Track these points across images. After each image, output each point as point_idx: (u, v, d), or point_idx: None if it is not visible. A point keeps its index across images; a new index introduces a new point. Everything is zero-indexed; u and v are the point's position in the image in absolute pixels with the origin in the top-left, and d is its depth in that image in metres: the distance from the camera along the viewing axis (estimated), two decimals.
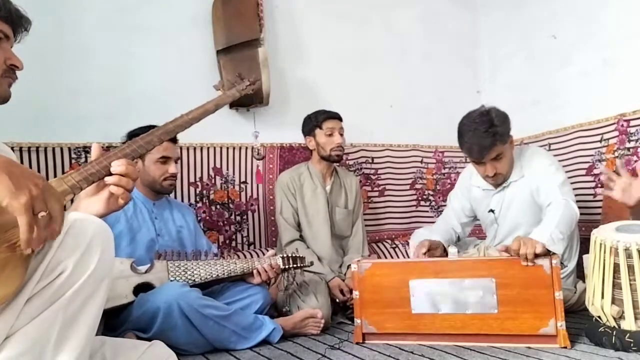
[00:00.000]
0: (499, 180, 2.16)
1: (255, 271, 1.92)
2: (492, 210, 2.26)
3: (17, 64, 1.13)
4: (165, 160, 1.97)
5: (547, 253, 1.65)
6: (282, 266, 1.96)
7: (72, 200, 1.03)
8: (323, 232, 2.46)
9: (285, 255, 2.00)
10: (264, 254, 2.62)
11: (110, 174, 1.01)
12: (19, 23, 1.14)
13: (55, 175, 2.29)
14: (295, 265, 2.00)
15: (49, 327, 0.85)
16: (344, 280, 2.33)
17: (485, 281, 1.66)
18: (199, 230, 2.19)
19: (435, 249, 2.10)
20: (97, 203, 1.03)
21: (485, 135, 1.99)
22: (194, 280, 1.82)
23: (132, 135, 1.96)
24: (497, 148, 2.03)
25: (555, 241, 1.73)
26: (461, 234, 2.40)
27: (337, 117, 2.50)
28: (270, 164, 2.81)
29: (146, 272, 1.75)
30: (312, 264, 2.13)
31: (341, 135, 2.48)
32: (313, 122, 2.48)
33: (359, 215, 2.63)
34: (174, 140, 2.00)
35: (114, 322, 1.67)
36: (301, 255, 2.04)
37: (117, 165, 1.01)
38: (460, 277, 1.69)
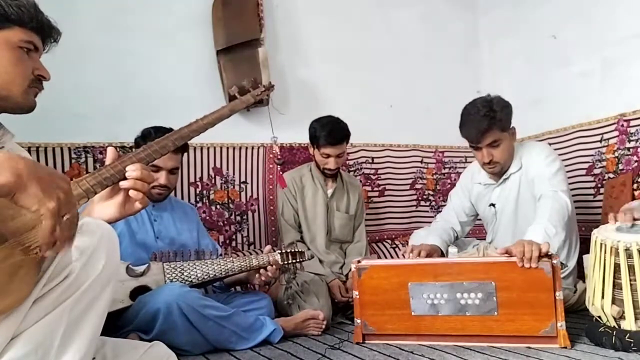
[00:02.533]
0: (496, 170, 2.16)
1: (257, 274, 1.89)
2: (493, 205, 2.26)
3: (45, 74, 1.14)
4: (156, 169, 1.87)
5: (549, 255, 1.64)
6: (280, 262, 1.95)
7: None
8: (319, 235, 2.45)
9: (283, 251, 1.98)
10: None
11: (125, 178, 1.02)
12: (49, 34, 1.15)
13: None
14: (294, 260, 1.98)
15: (53, 330, 0.85)
16: (344, 282, 2.33)
17: (485, 284, 1.66)
18: (202, 230, 2.16)
19: (432, 255, 2.06)
20: (111, 207, 1.04)
21: (483, 118, 2.01)
22: (191, 281, 1.80)
23: (145, 135, 1.93)
24: (494, 133, 2.03)
25: (551, 236, 1.73)
26: (460, 233, 2.40)
27: (338, 142, 2.33)
28: (270, 164, 2.81)
29: (142, 274, 1.73)
30: (312, 257, 2.10)
31: (340, 157, 2.38)
32: (314, 137, 2.38)
33: (361, 222, 2.61)
34: (175, 150, 1.90)
35: (116, 323, 1.66)
36: (300, 250, 2.02)
37: (133, 170, 1.02)
38: (460, 280, 1.68)
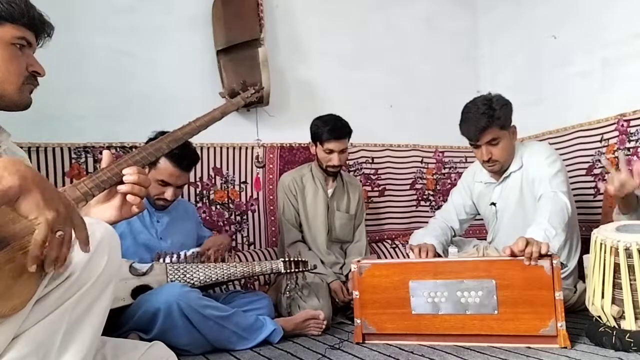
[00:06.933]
0: (495, 168, 2.16)
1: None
2: (493, 204, 2.26)
3: (39, 70, 1.13)
4: (164, 184, 1.88)
5: (549, 255, 1.64)
6: (282, 270, 1.95)
7: None
8: (320, 235, 2.45)
9: (286, 260, 1.98)
10: (264, 254, 2.62)
11: (122, 181, 1.02)
12: (42, 29, 1.14)
13: (55, 176, 2.30)
14: (297, 270, 1.98)
15: (54, 330, 0.85)
16: (344, 283, 2.32)
17: (485, 282, 1.66)
18: (199, 223, 2.20)
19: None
20: (109, 210, 1.03)
21: (482, 116, 2.02)
22: (193, 283, 1.80)
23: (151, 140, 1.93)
24: (493, 131, 2.04)
25: (550, 238, 1.73)
26: (458, 231, 2.40)
27: (341, 137, 2.34)
28: (270, 164, 2.81)
29: (145, 273, 1.74)
30: (315, 267, 2.10)
31: (343, 152, 2.38)
32: (316, 134, 2.38)
33: (361, 221, 2.61)
34: (184, 167, 1.89)
35: (116, 322, 1.66)
36: (303, 259, 2.02)
37: (129, 174, 1.02)
38: (460, 278, 1.69)
